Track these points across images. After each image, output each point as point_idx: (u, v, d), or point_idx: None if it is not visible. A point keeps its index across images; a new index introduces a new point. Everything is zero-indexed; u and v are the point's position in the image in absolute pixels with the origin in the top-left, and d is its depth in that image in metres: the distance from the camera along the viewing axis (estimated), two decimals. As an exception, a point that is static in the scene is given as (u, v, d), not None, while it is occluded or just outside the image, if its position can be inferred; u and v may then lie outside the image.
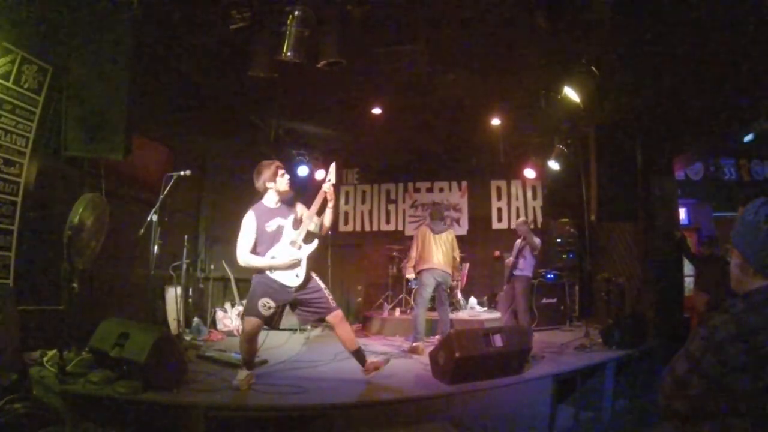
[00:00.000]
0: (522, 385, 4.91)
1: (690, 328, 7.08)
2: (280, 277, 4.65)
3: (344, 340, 4.87)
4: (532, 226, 10.54)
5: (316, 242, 4.82)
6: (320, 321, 5.65)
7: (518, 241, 7.89)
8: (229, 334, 7.91)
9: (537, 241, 7.73)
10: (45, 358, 4.67)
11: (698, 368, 1.53)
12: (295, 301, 4.79)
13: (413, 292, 9.78)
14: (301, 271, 4.68)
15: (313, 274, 4.87)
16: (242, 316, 4.88)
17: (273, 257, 4.66)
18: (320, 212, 4.88)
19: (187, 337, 7.00)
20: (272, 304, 4.61)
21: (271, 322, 4.77)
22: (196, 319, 7.56)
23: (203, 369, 5.13)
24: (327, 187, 4.77)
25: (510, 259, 7.90)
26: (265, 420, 3.97)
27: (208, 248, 8.89)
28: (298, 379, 4.90)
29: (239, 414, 3.99)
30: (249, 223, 4.70)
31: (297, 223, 4.79)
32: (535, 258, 7.79)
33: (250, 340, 4.65)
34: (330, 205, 4.85)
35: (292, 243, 4.69)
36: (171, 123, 7.83)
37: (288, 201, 4.89)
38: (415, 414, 4.31)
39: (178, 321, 7.04)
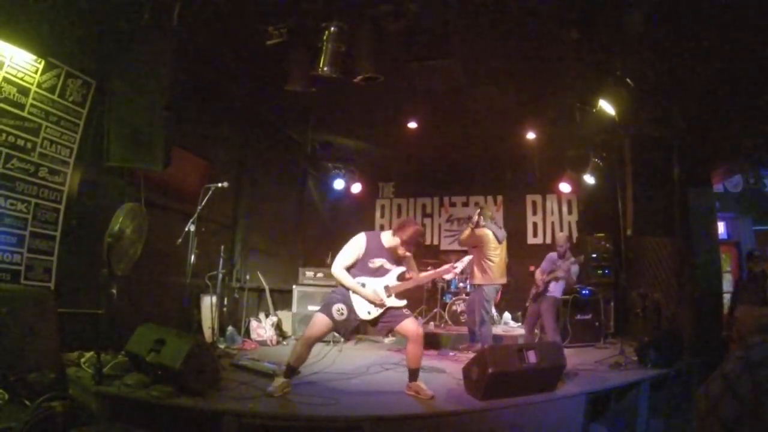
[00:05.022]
0: (555, 403, 4.82)
1: (729, 346, 6.87)
2: (355, 302, 4.72)
3: (409, 356, 4.85)
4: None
5: (404, 303, 4.86)
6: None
7: (555, 257, 7.63)
8: (263, 344, 7.96)
9: (574, 271, 7.47)
10: (82, 360, 4.83)
11: (733, 389, 1.48)
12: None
13: (447, 306, 9.75)
14: (375, 312, 4.74)
15: None
16: (315, 312, 4.93)
17: (363, 284, 4.74)
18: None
19: (221, 346, 7.09)
20: (345, 311, 4.68)
21: (341, 330, 4.90)
22: (230, 328, 7.62)
23: (236, 377, 5.17)
24: (449, 276, 5.48)
25: (541, 276, 7.56)
26: (297, 430, 4.00)
27: (243, 259, 9.00)
28: (331, 390, 4.89)
29: (271, 422, 4.01)
30: (357, 245, 4.83)
31: (402, 277, 4.89)
32: (566, 282, 7.52)
33: (307, 344, 4.71)
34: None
35: (386, 288, 4.77)
36: (209, 136, 8.01)
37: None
38: (446, 429, 4.28)
39: (213, 329, 7.11)
